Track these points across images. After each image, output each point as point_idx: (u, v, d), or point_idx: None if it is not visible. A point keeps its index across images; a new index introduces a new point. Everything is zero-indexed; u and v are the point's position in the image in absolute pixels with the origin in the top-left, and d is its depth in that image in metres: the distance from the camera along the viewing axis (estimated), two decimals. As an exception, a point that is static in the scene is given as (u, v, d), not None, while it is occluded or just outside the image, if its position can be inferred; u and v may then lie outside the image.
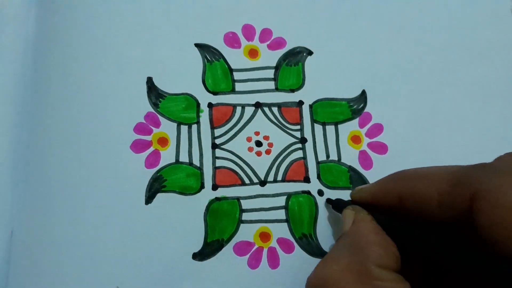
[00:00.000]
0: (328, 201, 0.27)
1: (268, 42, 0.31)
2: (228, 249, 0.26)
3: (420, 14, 0.33)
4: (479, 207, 0.17)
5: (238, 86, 0.29)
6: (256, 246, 0.26)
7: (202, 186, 0.27)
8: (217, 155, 0.28)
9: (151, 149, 0.27)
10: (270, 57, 0.30)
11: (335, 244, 0.22)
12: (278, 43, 0.31)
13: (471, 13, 0.33)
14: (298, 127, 0.29)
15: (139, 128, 0.28)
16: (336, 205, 0.26)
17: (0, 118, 0.27)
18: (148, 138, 0.28)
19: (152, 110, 0.28)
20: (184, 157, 0.28)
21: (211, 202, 0.27)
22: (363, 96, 0.30)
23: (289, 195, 0.28)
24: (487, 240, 0.17)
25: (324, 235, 0.27)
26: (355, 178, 0.29)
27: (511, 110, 0.31)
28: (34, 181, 0.26)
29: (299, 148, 0.29)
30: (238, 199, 0.27)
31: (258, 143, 0.29)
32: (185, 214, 0.26)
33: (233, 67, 0.30)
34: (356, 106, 0.30)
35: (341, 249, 0.21)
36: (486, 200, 0.17)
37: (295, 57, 0.31)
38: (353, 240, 0.21)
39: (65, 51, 0.28)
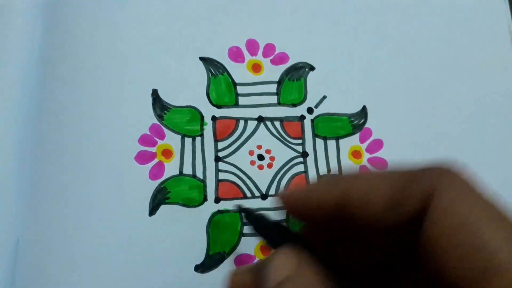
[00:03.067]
0: (246, 214, 0.19)
1: (271, 57, 0.31)
2: (229, 261, 0.26)
3: (420, 31, 0.33)
4: (430, 213, 0.15)
5: (242, 100, 0.30)
6: (257, 259, 0.27)
7: (205, 199, 0.27)
8: (220, 168, 0.28)
9: (156, 160, 0.28)
10: (273, 72, 0.31)
11: None
12: (281, 58, 0.31)
13: (470, 30, 0.34)
14: (300, 141, 0.30)
15: (144, 140, 0.28)
16: (259, 227, 0.19)
17: (6, 128, 0.27)
18: (152, 149, 0.28)
19: (157, 122, 0.28)
20: (187, 169, 0.28)
21: (214, 215, 0.27)
22: (363, 112, 0.31)
23: (290, 209, 0.28)
24: (434, 250, 0.15)
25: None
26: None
27: (509, 125, 0.32)
28: (40, 190, 0.26)
29: (301, 162, 0.29)
30: (239, 212, 0.27)
31: (260, 157, 0.29)
32: (188, 226, 0.27)
33: (236, 81, 0.30)
34: (356, 122, 0.31)
35: None
36: (438, 206, 0.15)
37: (298, 72, 0.31)
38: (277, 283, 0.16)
39: (71, 62, 0.29)
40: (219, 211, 0.27)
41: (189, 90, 0.29)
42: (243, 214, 0.22)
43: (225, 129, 0.29)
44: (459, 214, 0.14)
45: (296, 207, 0.18)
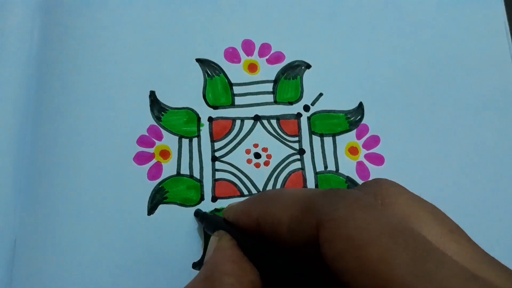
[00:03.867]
0: (197, 214, 0.26)
1: (267, 57, 0.32)
2: None
3: (416, 27, 0.33)
4: (323, 236, 0.16)
5: (238, 100, 0.30)
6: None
7: (202, 198, 0.28)
8: (216, 167, 0.29)
9: (154, 161, 0.28)
10: (269, 71, 0.31)
11: (196, 276, 0.20)
12: (277, 58, 0.32)
13: (467, 27, 0.34)
14: (297, 138, 0.30)
15: (142, 141, 0.29)
16: (207, 225, 0.25)
17: (4, 129, 0.28)
18: (150, 150, 0.29)
19: (155, 123, 0.29)
20: (185, 170, 0.28)
21: (211, 213, 0.28)
22: (360, 108, 0.31)
23: (287, 206, 0.28)
24: (333, 271, 0.16)
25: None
26: (352, 188, 0.29)
27: (505, 121, 0.32)
28: (37, 191, 0.27)
29: (298, 159, 0.30)
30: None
31: (257, 155, 0.29)
32: (186, 225, 0.27)
33: (233, 81, 0.31)
34: (353, 118, 0.31)
35: (196, 282, 0.20)
36: (329, 230, 0.16)
37: (294, 71, 0.32)
38: (208, 270, 0.20)
39: (68, 64, 0.29)
40: (216, 210, 0.28)
41: (186, 91, 0.30)
42: (197, 218, 0.27)
43: (221, 130, 0.30)
44: (345, 239, 0.15)
45: (232, 221, 0.22)
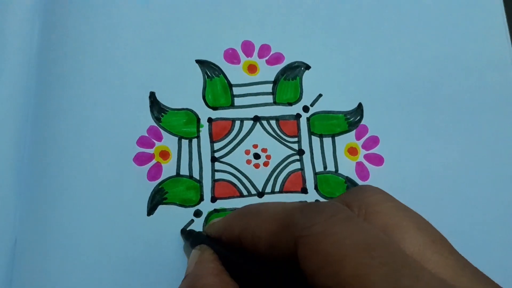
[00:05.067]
0: (183, 232, 0.27)
1: (266, 58, 0.32)
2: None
3: (415, 28, 0.33)
4: (300, 253, 0.16)
5: (237, 101, 0.31)
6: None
7: (201, 199, 0.28)
8: (216, 168, 0.29)
9: (153, 161, 0.28)
10: (269, 72, 0.31)
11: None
12: (276, 59, 0.32)
13: (466, 28, 0.34)
14: (296, 139, 0.30)
15: (142, 141, 0.29)
16: (192, 242, 0.25)
17: (4, 129, 0.28)
18: (150, 151, 0.29)
19: (155, 124, 0.29)
20: (184, 170, 0.29)
21: (210, 214, 0.28)
22: (359, 109, 0.31)
23: (286, 206, 0.28)
24: (313, 286, 0.16)
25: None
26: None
27: (504, 122, 0.32)
28: (38, 191, 0.27)
29: (297, 160, 0.30)
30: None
31: (256, 156, 0.30)
32: (185, 225, 0.27)
33: (232, 82, 0.31)
34: (352, 119, 0.31)
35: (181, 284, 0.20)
36: (306, 246, 0.16)
37: (293, 72, 0.32)
38: (190, 283, 0.20)
39: (68, 64, 0.29)
40: (215, 210, 0.28)
41: (186, 92, 0.30)
42: (183, 236, 0.27)
43: (221, 130, 0.30)
44: (322, 255, 0.15)
45: (215, 236, 0.23)
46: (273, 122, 0.30)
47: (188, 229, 0.27)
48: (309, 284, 0.16)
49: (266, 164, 0.29)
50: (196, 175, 0.29)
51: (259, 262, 0.19)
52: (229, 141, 0.30)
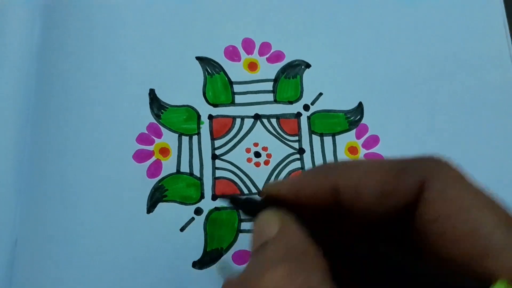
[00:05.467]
0: (233, 201, 0.20)
1: (267, 55, 0.32)
2: (227, 257, 0.27)
3: (415, 27, 0.33)
4: (428, 196, 0.15)
5: (238, 98, 0.30)
6: (254, 255, 0.27)
7: (202, 196, 0.28)
8: (216, 165, 0.29)
9: (153, 158, 0.28)
10: (269, 70, 0.31)
11: (257, 254, 0.16)
12: (277, 56, 0.32)
13: (466, 27, 0.34)
14: (296, 138, 0.30)
15: (142, 138, 0.28)
16: (247, 207, 0.19)
17: (4, 129, 0.28)
18: (150, 148, 0.28)
19: (154, 121, 0.29)
20: (184, 167, 0.28)
21: (211, 212, 0.27)
22: (359, 108, 0.31)
23: (287, 205, 0.28)
24: (428, 235, 0.15)
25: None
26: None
27: (504, 121, 0.32)
28: (38, 190, 0.27)
29: (297, 159, 0.30)
30: (236, 209, 0.28)
31: (257, 154, 0.29)
32: (185, 223, 0.27)
33: (233, 79, 0.31)
34: (353, 118, 0.31)
35: (273, 259, 0.16)
36: (435, 190, 0.15)
37: (294, 70, 0.31)
38: (286, 248, 0.16)
39: (69, 62, 0.29)
40: (216, 208, 0.28)
41: (186, 89, 0.30)
42: (230, 201, 0.20)
43: (221, 128, 0.29)
44: (452, 201, 0.15)
45: (281, 201, 0.18)
46: (273, 121, 0.30)
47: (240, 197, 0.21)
48: (424, 231, 0.15)
49: (266, 162, 0.29)
50: (196, 172, 0.28)
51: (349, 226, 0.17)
52: (230, 139, 0.29)
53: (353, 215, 0.17)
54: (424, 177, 0.16)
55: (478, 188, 0.16)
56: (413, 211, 0.16)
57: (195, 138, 0.29)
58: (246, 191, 0.28)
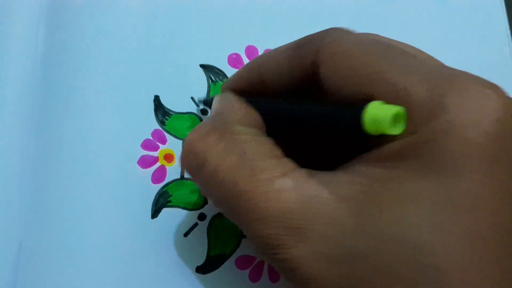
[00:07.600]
0: (205, 103, 0.28)
1: (270, 63, 0.32)
2: (230, 262, 0.27)
3: (416, 28, 0.34)
4: (321, 58, 0.18)
5: (241, 105, 0.31)
6: (257, 260, 0.27)
7: (205, 202, 0.28)
8: (220, 171, 0.29)
9: (158, 164, 0.29)
10: (272, 77, 0.32)
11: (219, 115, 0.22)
12: (280, 64, 0.32)
13: (467, 28, 0.34)
14: (299, 144, 0.30)
15: (146, 144, 0.29)
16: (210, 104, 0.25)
17: (9, 133, 0.28)
18: (155, 154, 0.29)
19: (159, 128, 0.29)
20: (188, 174, 0.29)
21: (214, 217, 0.28)
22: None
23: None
24: (332, 91, 0.18)
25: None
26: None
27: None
28: (42, 194, 0.27)
29: (300, 165, 0.30)
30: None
31: (260, 160, 0.30)
32: (189, 229, 0.27)
33: (236, 86, 0.31)
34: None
35: (206, 121, 0.21)
36: (327, 51, 0.18)
37: (296, 77, 0.32)
38: (216, 112, 0.22)
39: (74, 68, 0.30)
40: (219, 214, 0.28)
41: (190, 96, 0.30)
42: (203, 103, 0.29)
43: (225, 134, 0.30)
44: (343, 53, 0.18)
45: (233, 87, 0.24)
46: (276, 127, 0.30)
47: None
48: (329, 82, 0.18)
49: (269, 168, 0.29)
50: (200, 178, 0.29)
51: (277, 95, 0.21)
52: (233, 145, 0.30)
53: (278, 92, 0.22)
54: (319, 44, 0.19)
55: (368, 38, 0.19)
56: (316, 76, 0.19)
57: (199, 144, 0.29)
58: (249, 197, 0.29)
